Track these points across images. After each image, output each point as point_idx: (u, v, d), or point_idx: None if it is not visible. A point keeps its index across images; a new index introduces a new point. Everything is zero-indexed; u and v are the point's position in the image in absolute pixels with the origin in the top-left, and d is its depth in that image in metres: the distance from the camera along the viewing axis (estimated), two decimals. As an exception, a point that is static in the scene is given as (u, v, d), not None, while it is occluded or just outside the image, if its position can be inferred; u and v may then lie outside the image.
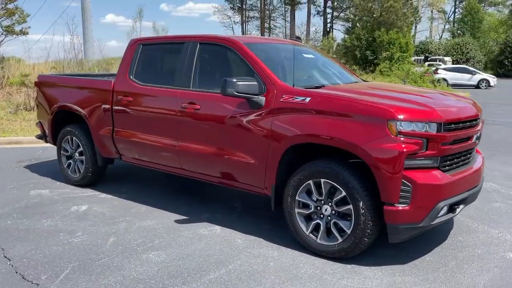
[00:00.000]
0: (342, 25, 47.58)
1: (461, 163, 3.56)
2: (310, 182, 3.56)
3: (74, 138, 5.59)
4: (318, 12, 47.53)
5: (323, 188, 3.51)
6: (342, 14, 46.87)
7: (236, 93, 3.72)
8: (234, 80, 3.70)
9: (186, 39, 4.61)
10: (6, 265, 3.47)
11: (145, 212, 4.71)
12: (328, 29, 46.40)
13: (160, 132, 4.62)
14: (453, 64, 37.96)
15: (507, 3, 58.69)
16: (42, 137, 6.20)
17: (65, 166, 5.79)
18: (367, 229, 3.32)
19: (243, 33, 46.86)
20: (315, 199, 3.60)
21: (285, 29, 50.22)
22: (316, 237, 3.59)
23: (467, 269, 3.41)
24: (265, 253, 3.68)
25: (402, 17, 33.40)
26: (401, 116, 3.16)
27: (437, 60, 35.05)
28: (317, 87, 3.95)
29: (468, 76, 29.49)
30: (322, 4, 46.86)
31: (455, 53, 47.12)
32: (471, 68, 31.98)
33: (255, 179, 3.96)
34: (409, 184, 3.14)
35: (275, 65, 4.21)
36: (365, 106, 3.33)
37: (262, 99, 3.79)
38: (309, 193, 3.62)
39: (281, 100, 3.70)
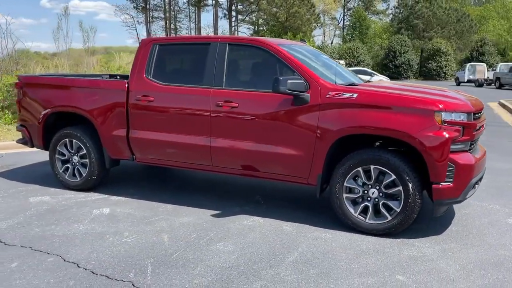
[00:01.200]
0: (247, 28, 48.98)
1: (473, 148, 4.27)
2: (359, 169, 4.01)
3: (74, 140, 5.38)
4: (224, 15, 48.37)
5: (372, 174, 3.98)
6: (247, 18, 48.23)
7: (287, 91, 4.03)
8: (286, 78, 4.01)
9: (212, 40, 4.78)
10: (79, 269, 3.39)
11: (175, 209, 4.76)
12: (233, 32, 47.40)
13: (190, 130, 4.71)
14: (346, 67, 41.28)
15: (387, 12, 65.52)
16: (26, 142, 5.82)
17: (61, 171, 5.53)
18: (416, 206, 3.86)
19: (148, 34, 45.93)
20: (361, 184, 4.05)
21: (191, 31, 50.23)
22: (365, 218, 4.06)
23: (488, 234, 4.12)
24: (321, 236, 4.04)
25: (307, 23, 35.46)
26: (444, 108, 3.76)
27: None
28: (351, 85, 4.41)
29: (367, 77, 32.28)
30: (227, 7, 47.73)
31: (347, 57, 51.16)
32: (369, 70, 35.05)
33: (298, 170, 4.30)
34: (453, 165, 3.74)
35: (309, 65, 4.56)
36: (413, 101, 3.88)
37: (307, 96, 4.14)
38: (356, 179, 4.07)
39: (327, 96, 4.09)
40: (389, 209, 3.98)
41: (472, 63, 39.28)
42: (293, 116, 4.21)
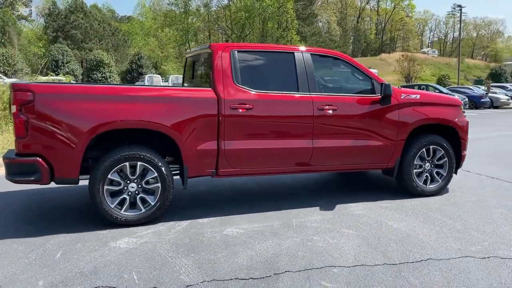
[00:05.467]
0: None
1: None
2: (424, 149, 5.52)
3: (139, 163, 4.34)
4: None
5: (431, 151, 5.57)
6: None
7: (388, 94, 5.09)
8: (389, 84, 5.06)
9: (295, 50, 5.06)
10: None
11: (267, 217, 4.84)
12: None
13: (293, 135, 4.89)
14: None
15: (30, 19, 62.57)
16: (37, 178, 4.08)
17: (113, 206, 4.31)
18: (456, 163, 5.70)
19: None
20: (422, 160, 5.57)
21: None
22: (426, 184, 5.60)
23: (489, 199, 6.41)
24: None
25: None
26: (461, 102, 5.78)
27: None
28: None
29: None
30: None
31: (1, 65, 45.90)
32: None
33: (382, 158, 5.37)
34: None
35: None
36: (451, 99, 5.72)
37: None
38: (421, 157, 5.55)
39: (401, 97, 5.37)
40: (438, 174, 5.68)
41: (150, 74, 43.26)
42: (381, 114, 5.26)
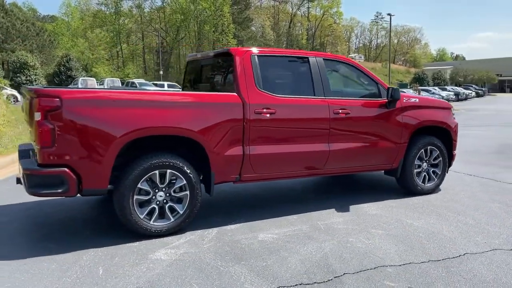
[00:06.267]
0: None
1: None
2: (422, 150, 5.82)
3: (168, 171, 4.17)
4: None
5: (429, 151, 5.89)
6: None
7: (396, 98, 5.34)
8: (398, 89, 5.30)
9: (309, 55, 5.13)
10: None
11: (290, 221, 4.89)
12: None
13: (311, 138, 4.96)
14: None
15: None
16: (63, 190, 3.78)
17: (142, 216, 4.11)
18: (448, 162, 6.08)
19: None
20: (421, 159, 5.87)
21: None
22: (424, 183, 5.91)
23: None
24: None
25: None
26: (451, 105, 6.18)
27: None
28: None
29: None
30: None
31: None
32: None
33: (389, 158, 5.59)
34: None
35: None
36: (443, 103, 6.07)
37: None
38: (420, 157, 5.84)
39: (404, 101, 5.62)
40: (434, 174, 6.02)
41: (84, 77, 41.31)
42: (388, 117, 5.48)
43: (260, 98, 4.63)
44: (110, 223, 4.72)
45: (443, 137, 6.09)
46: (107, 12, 68.24)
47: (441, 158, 6.02)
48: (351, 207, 5.28)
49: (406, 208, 5.27)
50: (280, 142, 4.80)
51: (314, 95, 5.02)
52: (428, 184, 5.97)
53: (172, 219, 4.27)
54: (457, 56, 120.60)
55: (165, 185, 4.22)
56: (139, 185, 4.07)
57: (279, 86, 4.95)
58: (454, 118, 6.21)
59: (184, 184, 4.28)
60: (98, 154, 3.87)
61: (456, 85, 62.43)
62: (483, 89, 63.25)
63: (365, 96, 5.49)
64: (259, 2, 77.72)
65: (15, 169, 7.42)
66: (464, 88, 54.96)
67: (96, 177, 3.91)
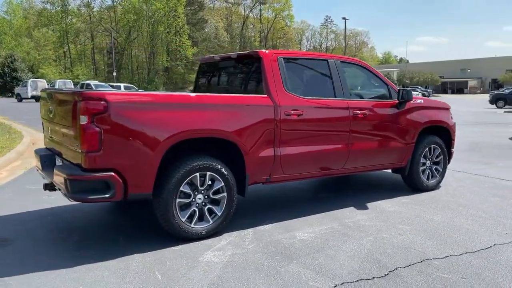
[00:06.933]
0: None
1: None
2: (427, 148, 6.12)
3: (208, 173, 4.16)
4: None
5: (432, 150, 6.19)
6: None
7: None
8: (411, 90, 5.55)
9: (328, 57, 5.26)
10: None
11: (318, 220, 5.01)
12: None
13: (334, 139, 5.10)
14: None
15: None
16: (109, 195, 3.67)
17: (184, 219, 4.07)
18: (446, 165, 6.42)
19: None
20: (425, 156, 6.16)
21: None
22: (428, 180, 6.21)
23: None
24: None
25: None
26: (450, 106, 6.53)
27: None
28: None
29: None
30: None
31: None
32: None
33: (399, 157, 5.83)
34: (452, 138, 6.61)
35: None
36: (444, 103, 6.39)
37: (406, 101, 5.80)
38: (424, 156, 6.13)
39: (411, 102, 5.89)
40: (436, 171, 6.33)
41: (33, 79, 39.46)
42: (399, 117, 5.72)
43: (288, 100, 4.71)
44: (137, 227, 4.65)
45: (443, 136, 6.43)
46: (52, 11, 65.54)
47: (442, 156, 6.35)
48: (368, 205, 5.47)
49: (419, 204, 5.52)
50: (306, 143, 4.90)
51: (335, 97, 5.17)
52: (431, 181, 6.28)
53: (211, 222, 4.25)
54: (401, 59, 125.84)
55: (204, 187, 4.20)
56: (181, 188, 4.03)
57: (303, 88, 5.06)
58: (452, 118, 6.57)
59: (222, 186, 4.27)
60: (145, 157, 3.80)
61: (403, 87, 65.07)
62: (428, 90, 66.42)
63: (376, 97, 5.71)
64: (212, 4, 77.50)
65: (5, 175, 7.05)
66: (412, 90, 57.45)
67: (142, 181, 3.83)
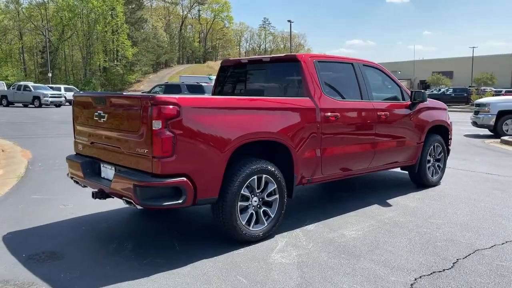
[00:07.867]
0: None
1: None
2: (432, 146, 6.50)
3: (264, 176, 4.17)
4: None
5: (435, 148, 6.59)
6: None
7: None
8: (424, 92, 5.88)
9: (353, 61, 5.44)
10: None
11: (354, 217, 5.20)
12: None
13: (363, 139, 5.30)
14: None
15: None
16: (182, 200, 3.58)
17: (244, 222, 4.06)
18: (446, 161, 6.85)
19: None
20: (432, 153, 6.54)
21: None
22: (433, 176, 6.60)
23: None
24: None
25: None
26: (446, 106, 6.98)
27: None
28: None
29: None
30: None
31: None
32: None
33: (412, 155, 6.15)
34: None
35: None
36: (443, 104, 6.83)
37: (417, 103, 6.13)
38: (429, 154, 6.51)
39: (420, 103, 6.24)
40: (438, 168, 6.74)
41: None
42: (412, 117, 6.04)
43: (326, 102, 4.83)
44: (183, 233, 4.54)
45: (443, 134, 6.85)
46: (-25, 7, 60.85)
47: (443, 154, 6.77)
48: (389, 201, 5.72)
49: (434, 200, 5.87)
50: (342, 144, 5.05)
51: (361, 99, 5.36)
52: (435, 177, 6.68)
53: (266, 224, 4.26)
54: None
55: (260, 190, 4.20)
56: (241, 191, 4.01)
57: (336, 91, 5.19)
58: (449, 117, 7.03)
59: (274, 189, 4.30)
60: (213, 161, 3.75)
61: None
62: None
63: (391, 99, 5.98)
64: (150, 3, 75.80)
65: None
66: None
67: (210, 185, 3.77)
